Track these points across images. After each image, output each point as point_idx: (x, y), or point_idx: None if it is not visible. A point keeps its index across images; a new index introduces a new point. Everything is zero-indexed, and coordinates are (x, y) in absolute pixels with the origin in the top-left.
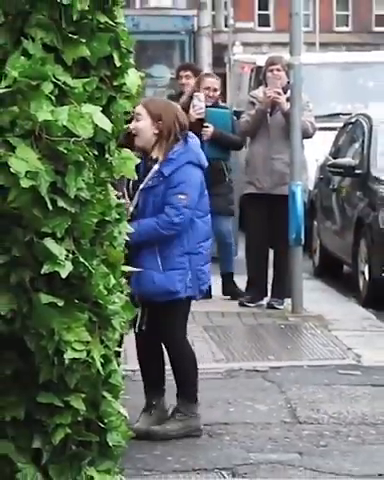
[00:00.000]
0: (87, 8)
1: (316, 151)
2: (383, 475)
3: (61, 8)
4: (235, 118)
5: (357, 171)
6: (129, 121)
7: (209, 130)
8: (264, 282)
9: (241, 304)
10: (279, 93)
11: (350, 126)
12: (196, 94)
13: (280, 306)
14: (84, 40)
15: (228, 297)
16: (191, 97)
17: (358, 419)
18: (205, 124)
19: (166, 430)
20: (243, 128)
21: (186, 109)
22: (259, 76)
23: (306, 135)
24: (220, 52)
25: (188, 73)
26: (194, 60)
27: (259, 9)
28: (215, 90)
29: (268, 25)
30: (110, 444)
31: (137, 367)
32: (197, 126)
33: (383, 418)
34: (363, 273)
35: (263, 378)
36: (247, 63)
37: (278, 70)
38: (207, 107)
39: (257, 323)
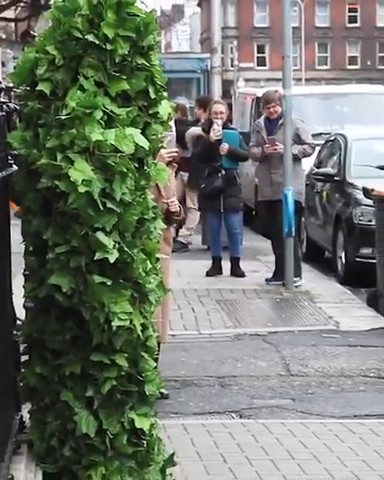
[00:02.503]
0: (127, 52)
1: (304, 163)
2: (358, 416)
3: (106, 52)
4: (241, 137)
5: (335, 178)
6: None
7: (225, 147)
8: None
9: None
10: (276, 149)
11: (330, 143)
12: (215, 120)
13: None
14: (125, 77)
15: (235, 277)
16: (211, 122)
17: (338, 372)
18: (222, 144)
19: None
20: (252, 158)
21: (207, 131)
22: (259, 105)
23: (308, 155)
24: (227, 86)
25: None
26: (208, 93)
27: (257, 53)
28: (222, 113)
29: (265, 65)
30: (147, 393)
31: None
32: (216, 144)
33: (357, 371)
34: (340, 258)
35: (263, 340)
36: (249, 95)
37: (274, 106)
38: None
39: (258, 297)
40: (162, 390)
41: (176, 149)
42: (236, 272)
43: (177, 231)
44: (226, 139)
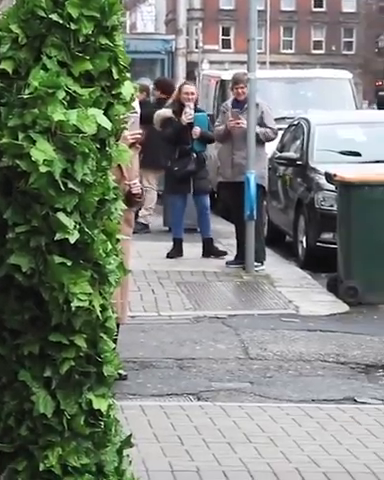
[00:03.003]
0: (91, 32)
1: (267, 147)
2: (315, 400)
3: (70, 32)
4: (209, 119)
5: (298, 162)
6: None
7: (198, 131)
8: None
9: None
10: (238, 122)
11: (293, 127)
12: (187, 103)
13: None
14: (88, 57)
15: (211, 257)
16: (181, 104)
17: (297, 356)
18: (194, 127)
19: None
20: (216, 138)
21: (177, 113)
22: (223, 87)
23: (270, 140)
24: (192, 68)
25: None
26: (172, 74)
27: (222, 35)
28: (192, 93)
29: (229, 47)
30: (105, 374)
31: None
32: (187, 127)
33: (316, 356)
34: (301, 242)
35: (222, 323)
36: (213, 77)
37: (242, 87)
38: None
39: (218, 280)
40: (120, 371)
41: (140, 131)
42: (213, 251)
43: (137, 212)
44: (196, 122)
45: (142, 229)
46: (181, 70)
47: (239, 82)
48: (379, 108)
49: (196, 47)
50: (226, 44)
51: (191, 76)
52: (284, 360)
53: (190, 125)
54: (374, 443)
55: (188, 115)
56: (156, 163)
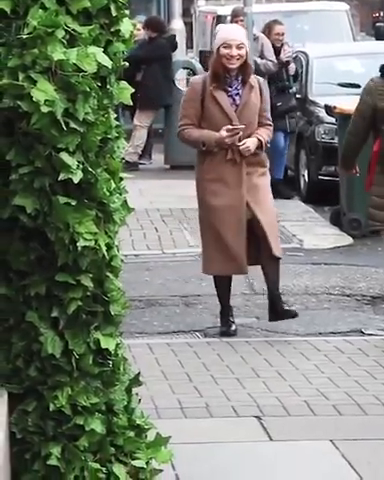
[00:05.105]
0: None
1: None
2: (322, 333)
3: None
4: None
5: (297, 96)
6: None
7: (293, 68)
8: None
9: None
10: None
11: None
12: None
13: None
14: None
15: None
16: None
17: (302, 290)
18: (291, 64)
19: None
20: None
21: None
22: (219, 23)
23: (270, 72)
24: (188, 4)
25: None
26: (168, 12)
27: None
28: (283, 34)
29: None
30: (112, 313)
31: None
32: (285, 65)
33: (321, 289)
34: (303, 176)
35: None
36: (209, 13)
37: (242, 20)
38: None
39: None
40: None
41: (241, 126)
42: (282, 194)
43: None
44: None
45: (129, 167)
46: (177, 7)
47: (239, 14)
48: (377, 39)
49: None
50: None
51: (187, 13)
52: (290, 294)
53: (287, 62)
54: (382, 374)
55: (287, 53)
56: (154, 102)
